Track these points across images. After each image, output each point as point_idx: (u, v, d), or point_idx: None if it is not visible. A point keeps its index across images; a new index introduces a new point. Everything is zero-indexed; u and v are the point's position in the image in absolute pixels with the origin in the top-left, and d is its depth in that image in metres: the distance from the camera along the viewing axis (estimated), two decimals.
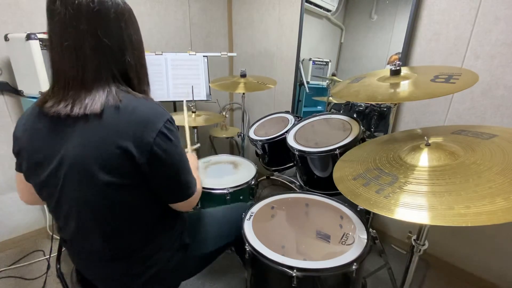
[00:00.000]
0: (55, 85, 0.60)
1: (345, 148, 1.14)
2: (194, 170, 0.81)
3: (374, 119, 1.67)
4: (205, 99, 1.97)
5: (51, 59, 0.59)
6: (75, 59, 0.57)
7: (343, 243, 0.88)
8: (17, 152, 0.67)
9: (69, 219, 0.66)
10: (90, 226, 0.64)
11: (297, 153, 1.28)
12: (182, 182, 0.69)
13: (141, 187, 0.63)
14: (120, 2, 0.60)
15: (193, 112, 1.74)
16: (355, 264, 0.77)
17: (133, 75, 0.65)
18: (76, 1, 0.55)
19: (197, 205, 1.28)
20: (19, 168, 0.69)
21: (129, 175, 0.60)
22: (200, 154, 1.95)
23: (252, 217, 1.01)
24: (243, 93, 1.89)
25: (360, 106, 1.74)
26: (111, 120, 0.58)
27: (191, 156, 1.00)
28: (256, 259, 0.84)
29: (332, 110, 1.94)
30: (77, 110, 0.57)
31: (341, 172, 0.83)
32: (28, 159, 0.64)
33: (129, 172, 0.59)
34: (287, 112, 1.80)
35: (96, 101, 0.57)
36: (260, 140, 1.56)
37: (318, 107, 2.08)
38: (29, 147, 0.63)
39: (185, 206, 0.74)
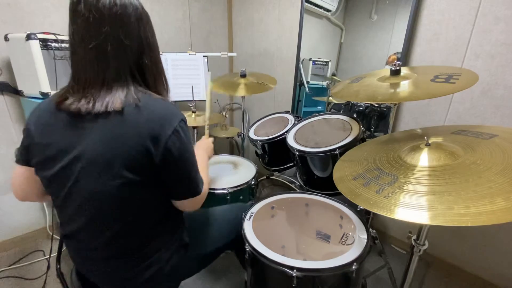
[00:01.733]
0: (74, 84, 0.62)
1: (345, 148, 1.14)
2: (204, 168, 0.86)
3: (374, 119, 1.67)
4: (205, 99, 1.96)
5: (72, 59, 0.62)
6: (96, 59, 0.60)
7: (343, 243, 0.88)
8: (27, 146, 0.68)
9: (78, 213, 0.66)
10: (99, 221, 0.66)
11: (297, 153, 1.28)
12: (191, 179, 0.72)
13: (153, 184, 0.65)
14: (138, 6, 0.63)
15: (193, 112, 1.74)
16: (355, 264, 0.77)
17: (149, 76, 0.68)
18: (100, 5, 0.57)
19: None
20: (25, 161, 0.70)
21: (144, 171, 0.62)
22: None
23: (252, 217, 1.01)
24: None
25: (360, 106, 1.74)
26: (131, 117, 0.60)
27: (206, 143, 1.06)
28: (256, 259, 0.84)
29: (332, 110, 1.94)
30: (98, 107, 0.59)
31: (341, 172, 0.83)
32: (41, 153, 0.65)
33: (145, 168, 0.62)
34: (287, 112, 1.80)
35: (116, 99, 0.60)
36: (260, 140, 1.56)
37: (318, 107, 2.08)
38: (43, 141, 0.65)
39: (191, 204, 0.76)
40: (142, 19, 0.64)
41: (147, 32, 0.65)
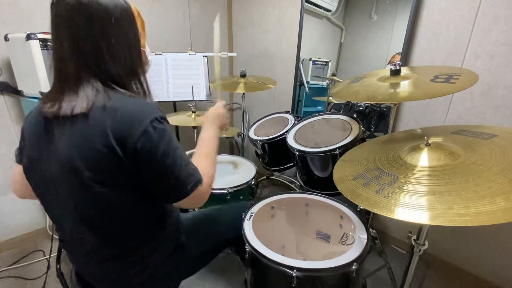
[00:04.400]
0: (53, 86, 0.62)
1: (345, 148, 1.14)
2: (208, 154, 0.80)
3: (374, 119, 1.67)
4: (205, 99, 1.97)
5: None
6: (60, 60, 0.59)
7: (343, 243, 0.88)
8: (21, 147, 0.69)
9: (63, 219, 0.66)
10: (84, 227, 0.64)
11: (297, 153, 1.28)
12: (176, 181, 0.64)
13: (130, 186, 0.62)
14: (109, 6, 0.59)
15: (193, 112, 1.74)
16: (355, 264, 0.77)
17: (120, 77, 0.63)
18: (63, 5, 0.56)
19: None
20: (20, 160, 0.71)
21: (115, 174, 0.59)
22: None
23: (252, 217, 1.01)
24: (243, 93, 1.89)
25: (360, 106, 1.74)
26: (97, 119, 0.57)
27: (216, 111, 0.90)
28: (256, 259, 0.84)
29: (332, 110, 1.94)
30: (64, 111, 0.57)
31: (341, 172, 0.83)
32: (27, 155, 0.66)
33: (115, 171, 0.58)
34: (287, 112, 1.80)
35: (82, 101, 0.57)
36: (260, 140, 1.56)
37: (318, 107, 2.08)
38: (30, 143, 0.65)
39: (190, 202, 0.69)
40: (110, 19, 0.59)
41: (116, 31, 0.61)
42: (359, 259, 0.79)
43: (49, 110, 0.59)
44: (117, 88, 0.62)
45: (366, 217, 1.30)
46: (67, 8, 0.56)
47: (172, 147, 0.63)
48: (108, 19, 0.60)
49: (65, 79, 0.59)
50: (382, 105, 1.62)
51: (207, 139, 0.85)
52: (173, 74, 1.90)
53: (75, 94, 0.58)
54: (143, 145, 0.58)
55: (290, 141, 1.38)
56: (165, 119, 0.63)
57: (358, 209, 1.04)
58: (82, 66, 0.59)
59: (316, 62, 1.96)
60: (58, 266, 1.21)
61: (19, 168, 0.72)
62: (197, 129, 1.87)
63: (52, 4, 0.57)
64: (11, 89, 1.48)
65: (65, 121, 0.58)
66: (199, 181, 0.67)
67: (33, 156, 0.64)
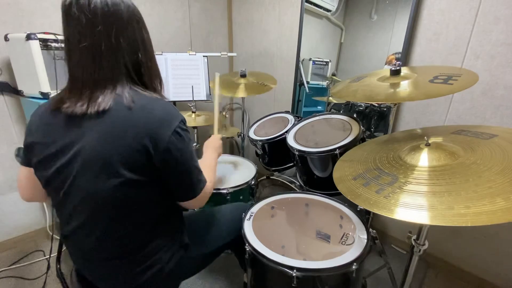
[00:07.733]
0: (72, 87, 0.63)
1: (345, 148, 1.14)
2: (212, 167, 0.93)
3: (374, 119, 1.67)
4: (205, 99, 1.97)
5: (68, 62, 0.63)
6: (91, 60, 0.60)
7: (343, 243, 0.88)
8: (28, 145, 0.69)
9: (76, 212, 0.66)
10: (96, 222, 0.65)
11: (297, 153, 1.28)
12: (193, 180, 0.72)
13: (152, 184, 0.65)
14: (130, 4, 0.64)
15: (193, 112, 1.74)
16: (355, 264, 0.77)
17: (145, 73, 0.68)
18: (92, 5, 0.58)
19: None
20: (26, 162, 0.71)
21: (143, 170, 0.62)
22: (200, 154, 1.95)
23: (252, 217, 1.01)
24: None
25: (360, 106, 1.74)
26: (129, 116, 0.60)
27: (214, 141, 1.05)
28: (256, 259, 0.84)
29: (332, 110, 1.94)
30: (94, 108, 0.60)
31: (341, 172, 0.83)
32: (41, 152, 0.66)
33: (143, 167, 0.62)
34: (287, 112, 1.80)
35: (112, 98, 0.61)
36: (260, 140, 1.56)
37: (318, 107, 2.07)
38: (43, 140, 0.66)
39: (195, 203, 0.77)
40: (134, 17, 0.64)
41: (141, 30, 0.66)
42: (359, 259, 0.79)
43: (76, 109, 0.61)
44: (142, 86, 0.67)
45: (366, 217, 1.30)
46: (97, 8, 0.58)
47: (193, 148, 0.71)
48: (136, 14, 0.65)
49: (93, 78, 0.61)
50: (382, 105, 1.62)
51: (211, 159, 0.98)
52: (173, 74, 1.90)
53: (103, 91, 0.61)
54: (174, 144, 0.63)
55: (290, 141, 1.38)
56: (186, 122, 0.69)
57: (358, 209, 1.04)
58: (117, 64, 0.62)
59: (316, 62, 1.96)
60: (58, 266, 1.21)
61: (24, 171, 0.73)
62: (197, 129, 1.87)
63: (78, 7, 0.57)
64: (11, 89, 1.48)
65: (95, 117, 0.60)
66: (205, 183, 0.76)
67: (50, 151, 0.64)
